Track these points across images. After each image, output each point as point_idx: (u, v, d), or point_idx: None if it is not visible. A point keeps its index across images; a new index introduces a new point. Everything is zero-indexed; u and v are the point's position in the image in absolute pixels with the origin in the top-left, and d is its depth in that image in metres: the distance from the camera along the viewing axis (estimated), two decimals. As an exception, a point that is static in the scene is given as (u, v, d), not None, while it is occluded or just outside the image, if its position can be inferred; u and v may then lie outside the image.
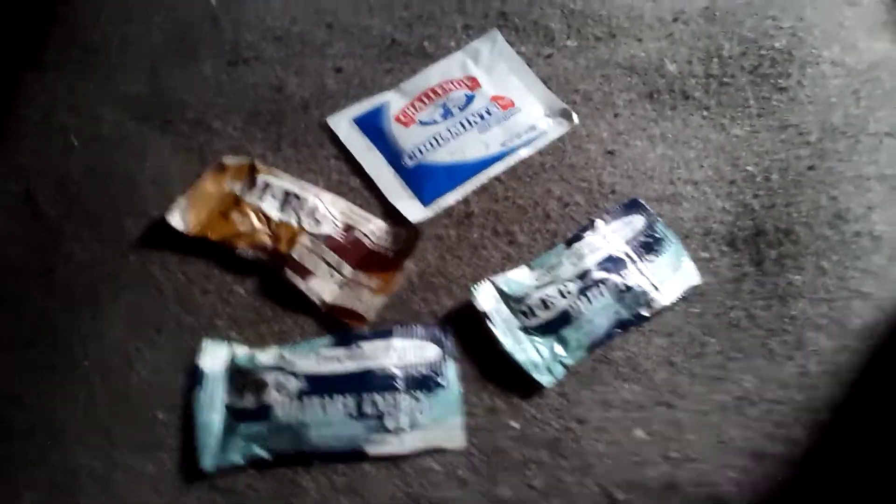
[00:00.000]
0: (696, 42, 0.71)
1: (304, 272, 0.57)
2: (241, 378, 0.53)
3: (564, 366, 0.54)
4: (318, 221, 0.60)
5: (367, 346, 0.54)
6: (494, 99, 0.67)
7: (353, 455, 0.51)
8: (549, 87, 0.68)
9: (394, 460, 0.51)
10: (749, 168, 0.64)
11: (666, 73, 0.70)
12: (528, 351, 0.55)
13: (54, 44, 0.67)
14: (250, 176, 0.61)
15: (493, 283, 0.57)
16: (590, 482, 0.50)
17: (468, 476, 0.51)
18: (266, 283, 0.58)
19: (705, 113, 0.67)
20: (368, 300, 0.57)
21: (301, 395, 0.52)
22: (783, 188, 0.63)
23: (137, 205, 0.60)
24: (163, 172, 0.62)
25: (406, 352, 0.54)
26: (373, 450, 0.51)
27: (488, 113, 0.66)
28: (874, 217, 0.61)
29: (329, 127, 0.66)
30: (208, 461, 0.50)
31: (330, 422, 0.51)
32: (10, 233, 0.58)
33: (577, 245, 0.59)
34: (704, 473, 0.51)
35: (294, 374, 0.52)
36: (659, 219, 0.61)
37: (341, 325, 0.56)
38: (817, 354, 0.55)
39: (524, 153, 0.65)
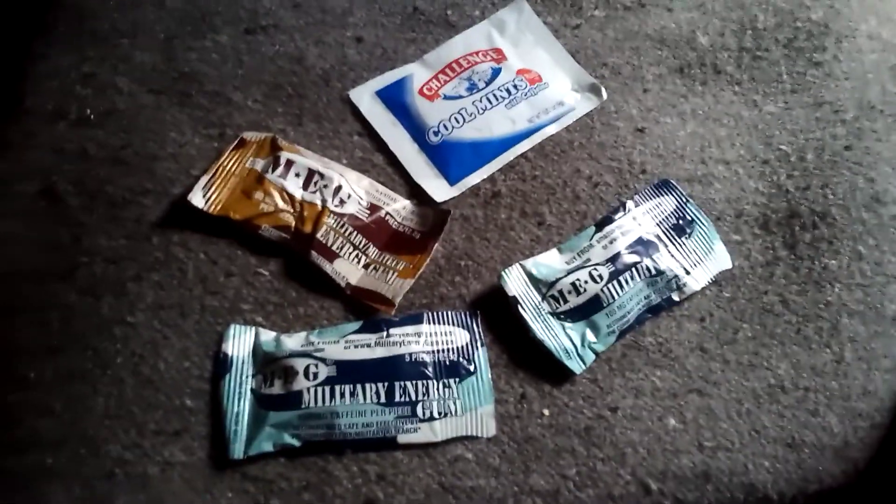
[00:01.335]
0: (729, 13, 0.69)
1: (330, 254, 0.56)
2: (269, 364, 0.52)
3: (595, 352, 0.54)
4: (342, 201, 0.58)
5: (397, 332, 0.53)
6: (521, 72, 0.65)
7: (385, 443, 0.50)
8: (577, 61, 0.66)
9: (425, 448, 0.51)
10: (783, 147, 0.62)
11: (697, 45, 0.67)
12: (558, 337, 0.54)
13: (60, 33, 0.64)
14: (272, 153, 0.59)
15: (523, 267, 0.56)
16: (624, 472, 0.50)
17: (500, 465, 0.50)
18: (290, 264, 0.57)
19: (737, 88, 0.65)
20: (395, 283, 0.56)
21: (331, 381, 0.51)
22: (818, 169, 0.61)
23: (157, 183, 0.58)
24: (182, 148, 0.60)
25: (435, 338, 0.53)
26: (404, 438, 0.50)
27: (515, 87, 0.64)
28: (912, 200, 0.60)
29: (351, 101, 0.63)
30: (238, 450, 0.50)
31: (360, 410, 0.50)
32: (29, 236, 0.56)
33: (607, 227, 0.57)
34: (738, 462, 0.51)
35: (323, 361, 0.51)
36: (690, 200, 0.60)
37: (368, 309, 0.55)
38: (853, 341, 0.54)
39: (552, 130, 0.63)
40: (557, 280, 0.55)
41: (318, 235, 0.56)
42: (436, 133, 0.62)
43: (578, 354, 0.53)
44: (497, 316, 0.55)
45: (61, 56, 0.63)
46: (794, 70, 0.66)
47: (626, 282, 0.55)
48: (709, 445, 0.51)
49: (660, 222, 0.58)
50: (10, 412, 0.51)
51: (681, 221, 0.58)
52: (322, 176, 0.58)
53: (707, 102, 0.65)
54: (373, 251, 0.57)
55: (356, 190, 0.59)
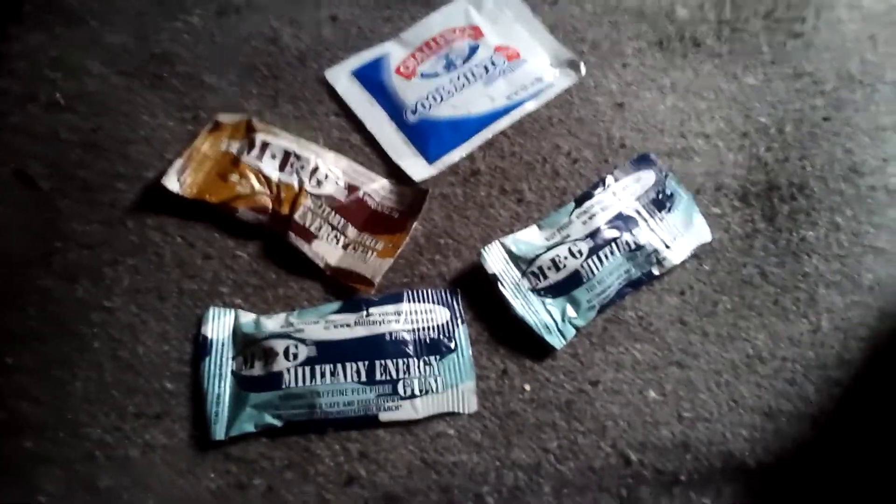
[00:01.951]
0: (708, -16, 0.68)
1: (308, 235, 0.56)
2: (249, 346, 0.52)
3: (576, 327, 0.54)
4: (319, 182, 0.58)
5: (377, 312, 0.53)
6: (499, 49, 0.65)
7: (366, 421, 0.50)
8: (555, 36, 0.66)
9: (407, 426, 0.51)
10: (762, 119, 0.62)
11: (676, 18, 0.67)
12: (539, 313, 0.54)
13: (29, 14, 0.63)
14: (248, 135, 0.59)
15: (503, 244, 0.56)
16: (604, 444, 0.50)
17: (482, 440, 0.51)
18: (269, 246, 0.56)
19: (717, 61, 0.65)
20: (374, 263, 0.55)
21: (311, 361, 0.51)
22: (797, 141, 0.61)
23: (131, 167, 0.58)
24: (155, 131, 0.59)
25: (416, 316, 0.53)
26: (385, 416, 0.50)
27: (493, 64, 0.64)
28: (889, 170, 0.60)
29: (327, 81, 0.63)
30: (220, 431, 0.50)
31: (341, 389, 0.50)
32: (2, 221, 0.55)
33: (587, 203, 0.57)
34: (717, 432, 0.51)
35: (303, 341, 0.51)
36: (670, 174, 0.59)
37: (348, 289, 0.55)
38: (829, 311, 0.55)
39: (531, 106, 0.62)
40: (537, 256, 0.55)
41: (296, 217, 0.56)
42: (413, 112, 0.62)
43: (559, 330, 0.53)
44: (477, 293, 0.55)
45: (30, 37, 0.62)
46: (774, 41, 0.66)
47: (606, 257, 0.55)
48: (688, 416, 0.52)
49: (639, 197, 0.58)
50: (-11, 397, 0.51)
51: (660, 196, 0.58)
52: (298, 157, 0.58)
53: (687, 76, 0.64)
54: (351, 231, 0.57)
55: (333, 170, 0.59)
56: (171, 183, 0.56)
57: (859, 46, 0.65)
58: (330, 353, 0.51)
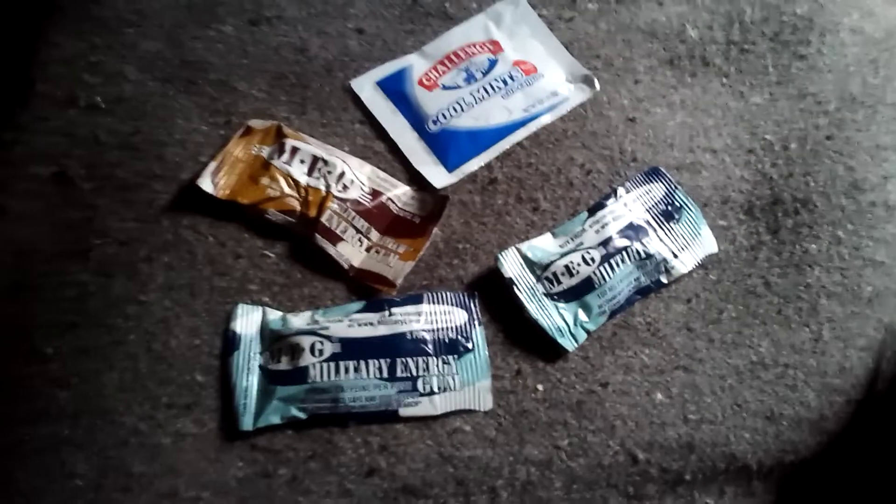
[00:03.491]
0: (718, 7, 0.71)
1: (334, 237, 0.58)
2: (276, 341, 0.54)
3: (587, 331, 0.56)
4: (345, 187, 0.60)
5: (398, 312, 0.55)
6: (517, 64, 0.67)
7: (387, 416, 0.53)
8: (570, 52, 0.68)
9: (425, 421, 0.53)
10: (767, 137, 0.65)
11: (687, 38, 0.70)
12: (552, 317, 0.56)
13: (68, 22, 0.65)
14: (278, 140, 0.61)
15: (518, 251, 0.58)
16: (613, 443, 0.53)
17: (497, 436, 0.53)
18: (296, 247, 0.59)
19: (725, 80, 0.68)
20: (396, 265, 0.58)
21: (335, 358, 0.53)
22: (801, 157, 0.64)
23: (167, 168, 0.60)
24: (190, 135, 0.62)
25: (435, 317, 0.56)
26: (405, 411, 0.53)
27: (511, 78, 0.66)
28: (889, 187, 0.62)
29: (353, 90, 0.66)
30: (247, 422, 0.52)
31: (364, 384, 0.53)
32: (43, 217, 0.58)
33: (599, 213, 0.60)
34: (721, 434, 0.53)
35: (328, 338, 0.54)
36: (679, 187, 0.62)
37: (370, 291, 0.57)
38: (830, 321, 0.57)
39: (546, 119, 0.65)
40: (551, 263, 0.58)
41: (323, 219, 0.58)
42: (435, 122, 0.64)
43: (571, 333, 0.56)
44: (494, 296, 0.58)
45: (69, 44, 0.65)
46: (780, 63, 0.69)
47: (617, 264, 0.57)
48: (693, 418, 0.54)
49: (649, 208, 0.61)
50: (27, 385, 0.53)
51: (669, 207, 0.61)
52: (326, 162, 0.61)
53: (696, 93, 0.67)
54: (375, 235, 0.60)
55: (358, 176, 0.61)
56: (206, 184, 0.59)
57: (861, 69, 0.68)
58: (353, 350, 0.54)
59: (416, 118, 0.65)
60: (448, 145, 0.64)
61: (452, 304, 0.57)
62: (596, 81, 0.67)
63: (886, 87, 0.67)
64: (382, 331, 0.54)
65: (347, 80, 0.66)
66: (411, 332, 0.55)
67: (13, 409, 0.52)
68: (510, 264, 0.58)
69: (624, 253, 0.58)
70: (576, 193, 0.62)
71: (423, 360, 0.54)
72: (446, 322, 0.56)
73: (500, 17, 0.70)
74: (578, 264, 0.57)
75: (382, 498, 0.51)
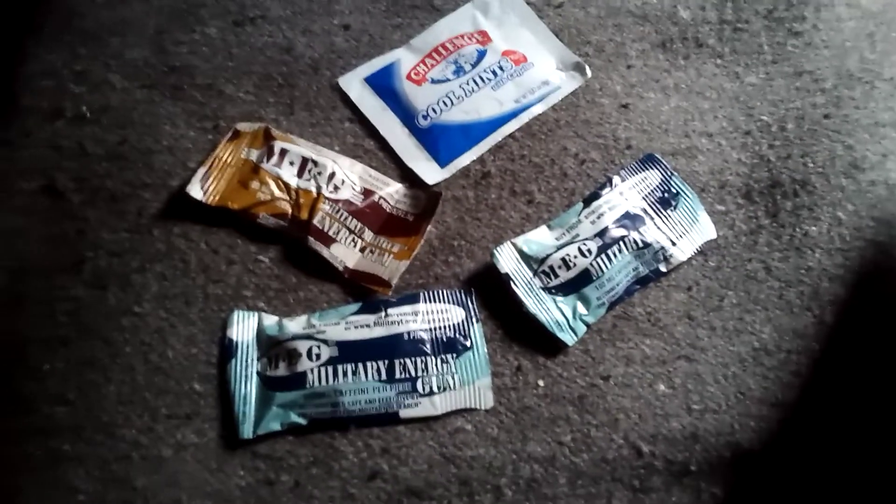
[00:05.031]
0: (710, -15, 0.70)
1: (327, 239, 0.58)
2: (273, 347, 0.54)
3: (586, 324, 0.56)
4: (336, 187, 0.60)
5: (395, 312, 0.55)
6: (506, 54, 0.66)
7: (387, 418, 0.52)
8: (560, 40, 0.67)
9: (426, 422, 0.53)
10: (764, 118, 0.64)
11: (679, 20, 0.68)
12: (550, 311, 0.56)
13: (50, 33, 0.65)
14: (266, 143, 0.61)
15: (514, 245, 0.58)
16: (617, 436, 0.52)
17: (499, 434, 0.53)
18: (289, 251, 0.58)
19: (719, 61, 0.67)
20: (391, 265, 0.57)
21: (333, 361, 0.53)
22: (799, 138, 0.63)
23: (156, 176, 0.60)
24: (178, 141, 0.61)
25: (432, 316, 0.55)
26: (405, 413, 0.53)
27: (501, 69, 0.65)
28: (889, 165, 0.61)
29: (341, 88, 0.65)
30: (247, 430, 0.52)
31: (363, 387, 0.52)
32: (34, 232, 0.57)
33: (595, 203, 0.59)
34: (725, 423, 0.53)
35: (325, 342, 0.53)
36: (675, 173, 0.61)
37: (366, 291, 0.57)
38: (833, 304, 0.57)
39: (538, 109, 0.64)
40: (548, 256, 0.57)
41: (315, 221, 0.58)
42: (425, 117, 0.64)
43: (570, 327, 0.55)
44: (491, 293, 0.57)
45: (53, 55, 0.64)
46: (775, 41, 0.67)
47: (615, 255, 0.57)
48: (697, 408, 0.53)
49: (646, 196, 0.60)
50: (26, 401, 0.53)
51: (666, 194, 0.60)
52: (316, 163, 0.60)
53: (690, 76, 0.66)
54: (368, 235, 0.59)
55: (349, 176, 0.61)
56: (196, 191, 0.58)
57: (858, 45, 0.67)
58: (351, 352, 0.53)
59: (405, 114, 0.64)
60: (439, 140, 0.63)
61: (449, 302, 0.56)
62: (587, 68, 0.66)
63: (884, 62, 0.66)
64: (379, 332, 0.54)
65: (335, 78, 0.65)
66: (409, 333, 0.54)
67: (13, 425, 0.52)
68: (506, 259, 0.57)
69: (621, 243, 0.57)
70: (570, 184, 0.61)
71: (422, 360, 0.53)
72: (444, 320, 0.55)
73: (488, 6, 0.69)
74: (575, 256, 0.57)
75: (386, 501, 0.51)
